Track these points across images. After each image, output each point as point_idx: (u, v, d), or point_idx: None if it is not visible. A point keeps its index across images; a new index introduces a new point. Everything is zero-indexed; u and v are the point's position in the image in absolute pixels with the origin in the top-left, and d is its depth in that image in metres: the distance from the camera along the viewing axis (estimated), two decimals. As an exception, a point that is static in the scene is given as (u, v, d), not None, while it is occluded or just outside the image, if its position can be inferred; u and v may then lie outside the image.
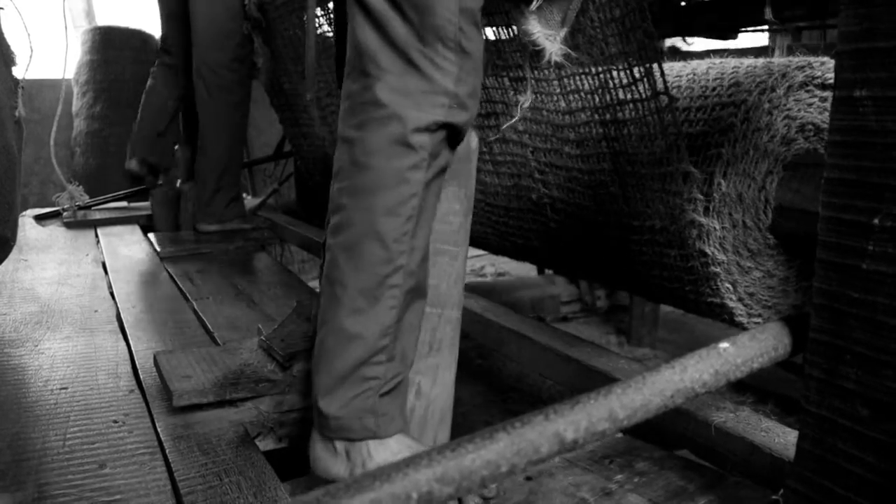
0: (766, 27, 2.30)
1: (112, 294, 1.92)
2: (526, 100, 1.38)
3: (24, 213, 2.95)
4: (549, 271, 3.50)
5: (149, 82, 2.80)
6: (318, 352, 0.95)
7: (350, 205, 0.92)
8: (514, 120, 1.43)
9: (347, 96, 0.94)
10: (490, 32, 1.44)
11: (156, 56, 2.82)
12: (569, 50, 1.17)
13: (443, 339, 1.10)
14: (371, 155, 0.89)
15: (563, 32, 1.14)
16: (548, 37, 1.15)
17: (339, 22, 1.27)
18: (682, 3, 2.19)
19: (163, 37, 2.77)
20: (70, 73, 4.11)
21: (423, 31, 0.88)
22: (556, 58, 1.15)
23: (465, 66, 0.91)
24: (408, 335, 0.96)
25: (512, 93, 1.46)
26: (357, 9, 0.91)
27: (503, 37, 1.41)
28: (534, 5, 1.13)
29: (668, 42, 2.63)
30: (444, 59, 0.89)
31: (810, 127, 1.21)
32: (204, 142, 2.59)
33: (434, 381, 1.08)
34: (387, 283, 0.91)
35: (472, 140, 1.11)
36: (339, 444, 0.94)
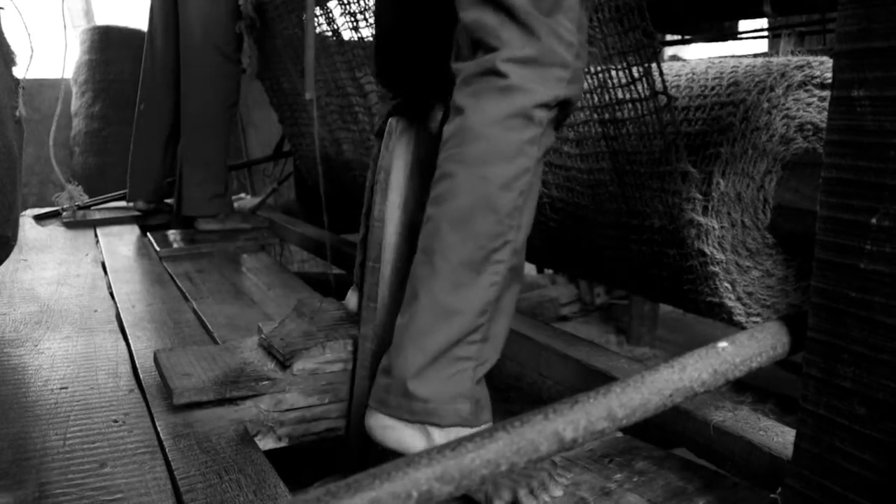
0: (765, 32, 2.30)
1: (112, 294, 1.92)
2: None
3: (23, 212, 2.94)
4: (548, 270, 3.50)
5: (135, 120, 2.81)
6: (406, 327, 0.90)
7: (461, 173, 0.88)
8: None
9: (460, 71, 0.91)
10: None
11: (137, 104, 2.82)
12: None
13: None
14: (488, 125, 0.86)
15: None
16: None
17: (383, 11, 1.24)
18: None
19: (140, 85, 2.77)
20: (69, 73, 4.11)
21: (547, 4, 0.85)
22: None
23: (582, 39, 0.89)
24: (503, 319, 0.93)
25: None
26: None
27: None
28: None
29: (670, 51, 2.63)
30: (566, 31, 0.86)
31: (809, 126, 1.22)
32: (187, 134, 2.58)
33: None
34: (493, 257, 0.87)
35: None
36: (425, 429, 0.89)
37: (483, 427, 0.90)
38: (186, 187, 2.61)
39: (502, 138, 0.86)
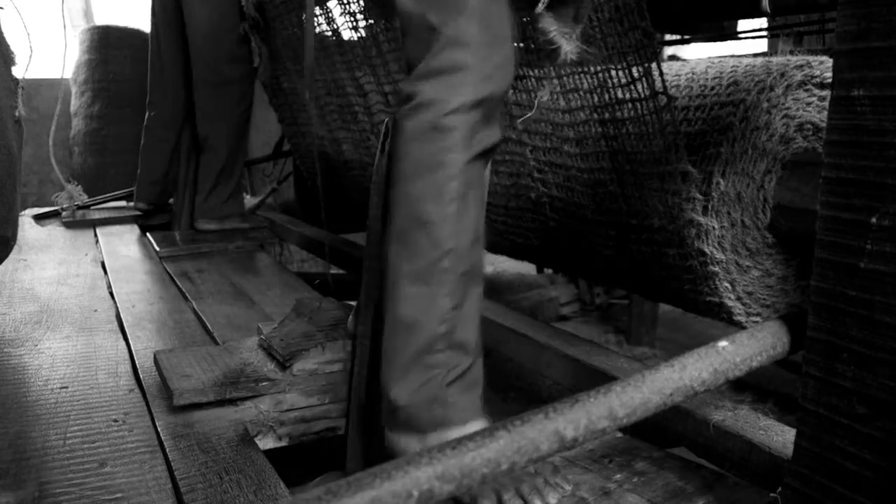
0: (765, 32, 2.30)
1: (111, 294, 1.92)
2: (544, 94, 1.37)
3: (23, 212, 2.94)
4: (548, 270, 3.50)
5: (144, 127, 2.82)
6: (384, 345, 0.95)
7: (394, 194, 0.93)
8: (532, 112, 1.42)
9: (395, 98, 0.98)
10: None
11: (147, 108, 2.82)
12: (585, 48, 1.17)
13: None
14: (407, 143, 0.91)
15: (578, 30, 1.14)
16: (564, 35, 1.14)
17: None
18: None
19: (149, 90, 2.78)
20: (68, 73, 4.11)
21: (441, 13, 0.89)
22: (573, 56, 1.15)
23: (490, 41, 0.91)
24: (468, 325, 0.94)
25: (511, 91, 1.46)
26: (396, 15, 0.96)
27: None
28: (543, 3, 1.13)
29: (669, 51, 2.62)
30: (464, 34, 0.89)
31: (809, 126, 1.22)
32: (204, 138, 2.60)
33: None
34: (438, 266, 0.90)
35: None
36: (414, 437, 0.92)
37: (469, 427, 0.92)
38: (201, 192, 2.62)
39: (418, 153, 0.90)
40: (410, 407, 0.91)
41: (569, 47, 1.15)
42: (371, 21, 1.96)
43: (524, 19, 1.35)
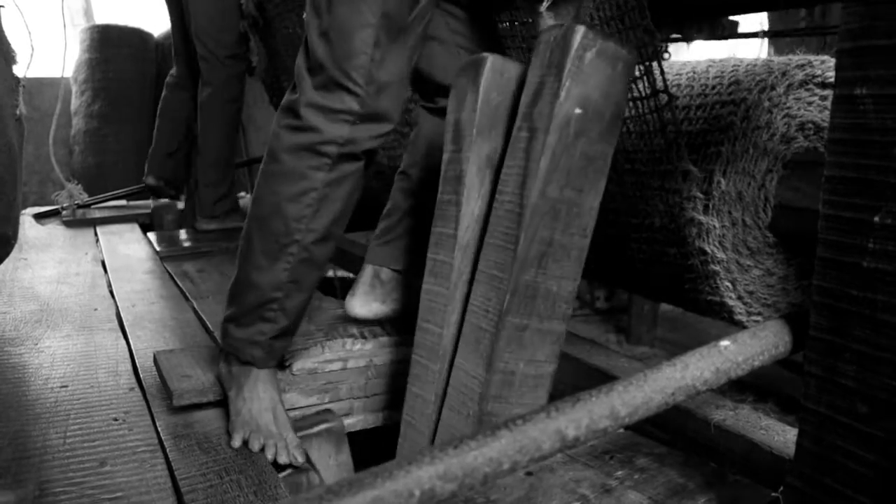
0: (765, 33, 2.30)
1: (111, 293, 1.92)
2: None
3: (23, 211, 2.94)
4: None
5: (161, 99, 2.83)
6: (231, 289, 1.19)
7: (263, 186, 1.14)
8: None
9: (284, 100, 1.15)
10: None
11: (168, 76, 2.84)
12: None
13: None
14: (283, 152, 1.12)
15: None
16: None
17: None
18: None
19: (174, 54, 2.79)
20: (69, 72, 4.10)
21: (338, 59, 1.06)
22: None
23: (370, 91, 1.08)
24: (299, 295, 1.17)
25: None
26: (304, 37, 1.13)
27: (506, 33, 1.41)
28: (546, 3, 1.13)
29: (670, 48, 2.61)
30: (353, 84, 1.07)
31: (810, 125, 1.22)
32: (200, 137, 2.60)
33: None
34: (285, 250, 1.13)
35: None
36: (230, 359, 1.19)
37: (268, 371, 1.19)
38: (199, 191, 2.63)
39: (291, 164, 1.11)
40: (238, 341, 1.16)
41: None
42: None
43: (524, 20, 1.35)
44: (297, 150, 1.10)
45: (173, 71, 2.81)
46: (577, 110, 0.91)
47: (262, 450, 1.09)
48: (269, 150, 1.14)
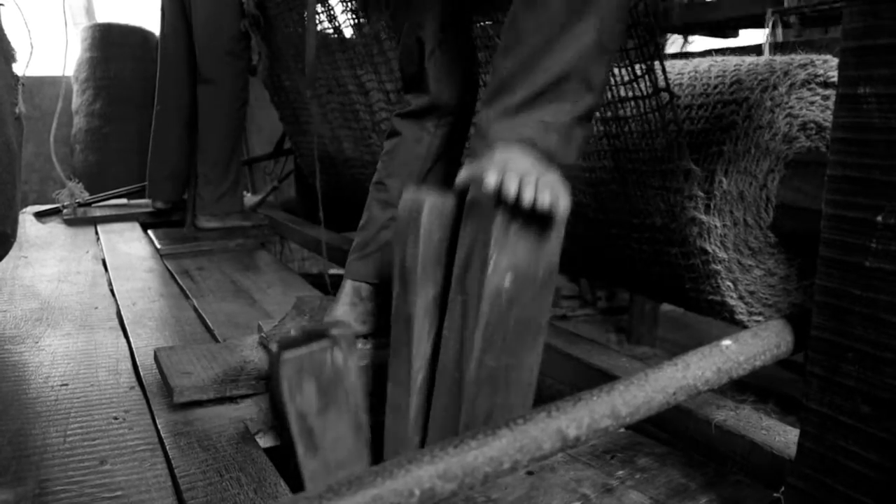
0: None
1: (112, 291, 1.92)
2: None
3: (24, 209, 2.94)
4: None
5: (153, 126, 2.81)
6: (505, 72, 0.95)
7: None
8: None
9: None
10: (492, 26, 1.44)
11: (154, 104, 2.81)
12: None
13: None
14: None
15: None
16: None
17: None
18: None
19: (165, 64, 2.76)
20: (70, 71, 4.10)
21: None
22: None
23: None
24: (602, 66, 0.96)
25: None
26: None
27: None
28: None
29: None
30: None
31: (812, 125, 1.21)
32: (201, 134, 2.60)
33: None
34: (594, 3, 0.91)
35: None
36: (507, 150, 0.92)
37: (557, 173, 0.93)
38: (200, 188, 2.62)
39: None
40: (524, 131, 0.92)
41: None
42: (365, 20, 1.96)
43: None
44: None
45: (159, 107, 2.77)
46: (507, 282, 0.89)
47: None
48: None
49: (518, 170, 0.88)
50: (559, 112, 0.93)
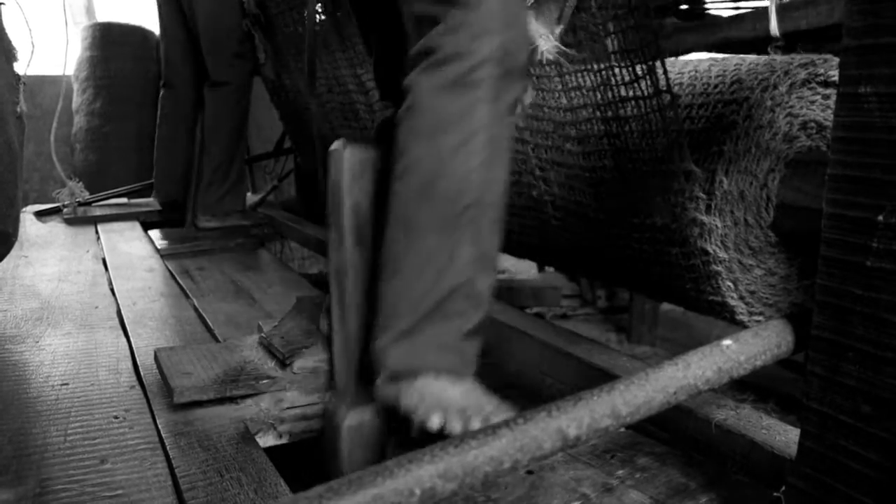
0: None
1: (112, 290, 1.92)
2: (528, 97, 1.37)
3: (24, 209, 2.94)
4: (549, 269, 3.50)
5: (159, 114, 2.81)
6: (390, 298, 0.94)
7: (415, 148, 0.92)
8: (517, 120, 1.43)
9: (409, 60, 0.96)
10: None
11: (161, 88, 2.81)
12: (564, 48, 1.16)
13: None
14: (431, 98, 0.91)
15: (558, 30, 1.13)
16: (542, 35, 1.14)
17: (375, 24, 1.27)
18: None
19: (164, 70, 2.76)
20: (70, 70, 4.10)
21: None
22: (550, 56, 1.15)
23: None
24: (486, 276, 0.95)
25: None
26: None
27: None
28: (529, 1, 1.12)
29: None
30: None
31: (812, 125, 1.21)
32: (207, 136, 2.60)
33: None
34: (463, 217, 0.90)
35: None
36: (414, 382, 0.91)
37: (468, 381, 0.93)
38: (203, 188, 2.62)
39: (444, 107, 0.90)
40: (420, 355, 0.91)
41: (546, 47, 1.14)
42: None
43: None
44: (447, 88, 0.90)
45: (165, 110, 2.78)
46: None
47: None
48: (409, 106, 0.93)
49: (453, 406, 0.87)
50: (449, 332, 0.92)
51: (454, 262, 0.91)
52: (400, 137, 0.95)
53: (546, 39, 1.12)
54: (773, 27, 1.56)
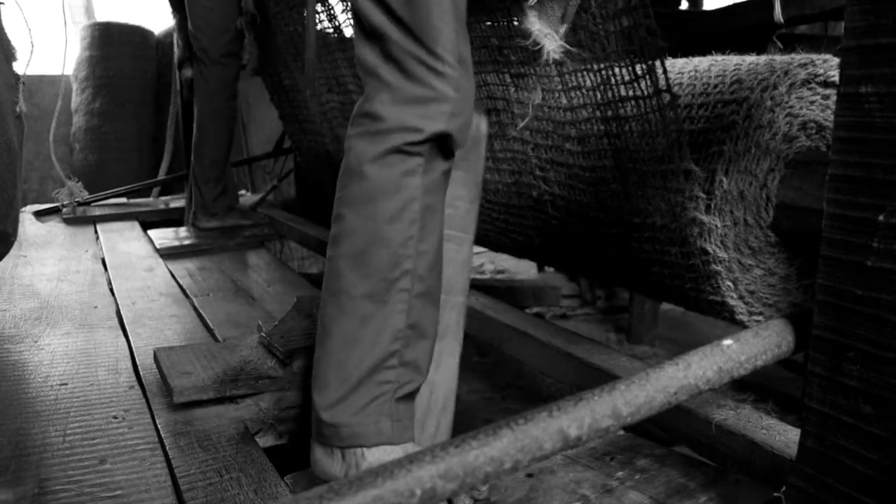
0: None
1: (112, 290, 1.92)
2: (536, 97, 1.37)
3: (23, 209, 2.94)
4: (549, 269, 3.49)
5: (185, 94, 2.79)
6: (322, 364, 0.93)
7: (350, 215, 0.92)
8: (525, 120, 1.43)
9: (353, 110, 0.96)
10: (490, 27, 1.43)
11: (185, 63, 2.78)
12: (568, 48, 1.16)
13: (448, 325, 1.09)
14: (367, 164, 0.91)
15: (563, 30, 1.13)
16: (546, 35, 1.14)
17: None
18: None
19: (182, 54, 2.75)
20: (69, 70, 4.10)
21: (422, 39, 0.88)
22: (556, 56, 1.14)
23: (463, 72, 0.91)
24: (421, 343, 0.95)
25: (513, 89, 1.46)
26: (356, 26, 0.93)
27: (503, 32, 1.40)
28: (532, 0, 1.12)
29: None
30: (444, 65, 0.89)
31: (812, 125, 1.21)
32: (198, 135, 2.60)
33: (437, 367, 1.07)
34: (395, 287, 0.91)
35: (481, 126, 1.10)
36: (348, 452, 0.92)
37: (408, 445, 0.93)
38: (200, 187, 2.62)
39: (381, 175, 0.90)
40: (354, 425, 0.91)
41: (552, 46, 1.14)
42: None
43: (511, 20, 1.34)
44: (385, 156, 0.90)
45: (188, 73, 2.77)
46: None
47: None
48: (346, 170, 0.94)
49: None
50: (381, 401, 0.91)
51: (385, 333, 0.91)
52: (336, 202, 0.95)
53: (551, 39, 1.12)
54: (777, 13, 1.56)
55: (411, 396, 0.96)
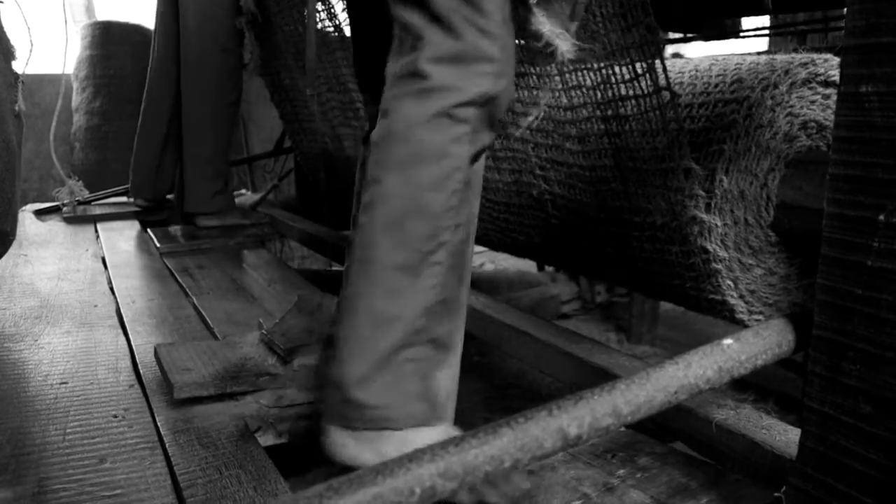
0: (766, 31, 2.29)
1: (112, 289, 1.92)
2: (545, 96, 1.37)
3: (23, 208, 2.94)
4: (549, 268, 3.49)
5: (139, 122, 2.78)
6: (346, 337, 0.87)
7: (390, 178, 0.86)
8: (530, 119, 1.42)
9: (390, 73, 0.91)
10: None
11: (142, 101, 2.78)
12: (581, 45, 1.16)
13: None
14: (412, 127, 0.85)
15: (573, 28, 1.12)
16: (559, 35, 1.13)
17: (356, 16, 1.26)
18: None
19: (159, 50, 2.73)
20: (70, 69, 4.10)
21: None
22: (570, 55, 1.13)
23: (508, 31, 0.88)
24: (452, 319, 0.91)
25: (514, 88, 1.46)
26: None
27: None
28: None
29: (671, 49, 2.61)
30: (489, 23, 0.85)
31: (813, 124, 1.21)
32: (188, 130, 2.58)
33: None
34: (429, 259, 0.86)
35: None
36: (375, 434, 0.86)
37: (448, 427, 0.89)
38: (188, 184, 2.60)
39: (426, 139, 0.85)
40: (382, 407, 0.85)
41: (565, 46, 1.13)
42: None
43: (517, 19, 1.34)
44: (432, 119, 0.84)
45: (144, 104, 2.74)
46: None
47: None
48: (389, 132, 0.87)
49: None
50: (410, 380, 0.86)
51: (415, 308, 0.86)
52: (371, 165, 0.89)
53: (563, 39, 1.11)
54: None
55: (442, 375, 0.91)
